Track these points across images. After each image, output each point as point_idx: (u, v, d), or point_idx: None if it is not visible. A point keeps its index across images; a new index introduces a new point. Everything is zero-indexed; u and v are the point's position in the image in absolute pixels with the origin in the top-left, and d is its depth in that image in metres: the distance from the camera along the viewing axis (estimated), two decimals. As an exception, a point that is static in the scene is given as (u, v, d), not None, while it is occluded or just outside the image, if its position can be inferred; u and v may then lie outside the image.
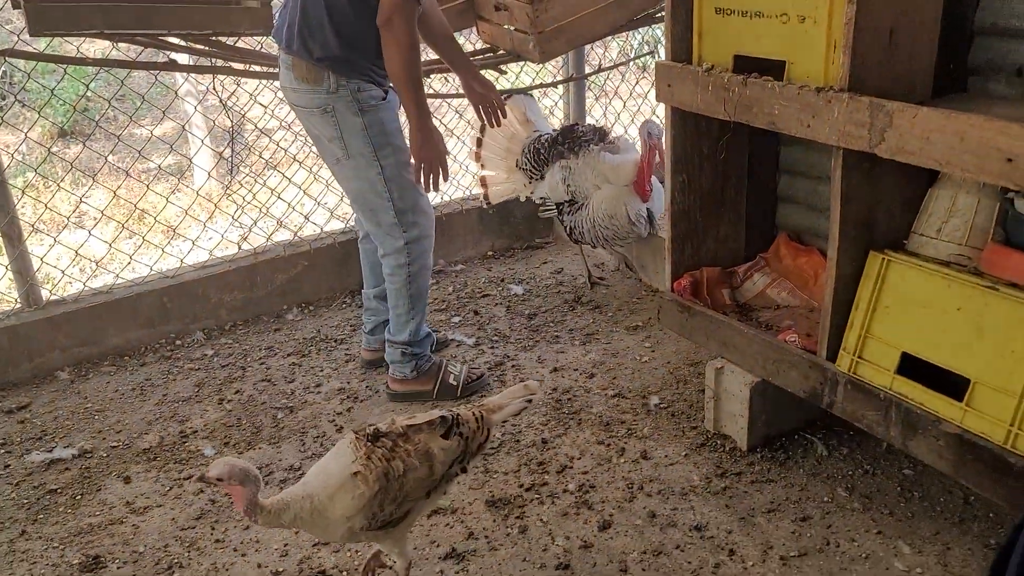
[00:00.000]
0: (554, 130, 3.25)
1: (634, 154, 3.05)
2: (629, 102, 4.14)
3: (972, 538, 1.95)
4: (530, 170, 3.23)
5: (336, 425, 2.56)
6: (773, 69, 1.99)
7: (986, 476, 1.72)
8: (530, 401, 1.91)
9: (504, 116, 2.80)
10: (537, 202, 3.27)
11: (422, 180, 2.43)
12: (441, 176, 2.44)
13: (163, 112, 3.51)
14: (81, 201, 3.45)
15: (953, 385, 1.78)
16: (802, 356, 2.08)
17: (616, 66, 3.54)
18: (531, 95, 3.37)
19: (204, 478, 1.63)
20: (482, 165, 3.36)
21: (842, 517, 2.04)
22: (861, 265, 1.96)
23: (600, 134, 3.13)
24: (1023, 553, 0.72)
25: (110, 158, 3.56)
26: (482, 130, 3.25)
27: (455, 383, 2.65)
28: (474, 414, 1.83)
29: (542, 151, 3.18)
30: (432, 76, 3.22)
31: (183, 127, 4.26)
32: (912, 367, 1.86)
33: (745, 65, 2.06)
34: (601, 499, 2.17)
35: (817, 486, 2.16)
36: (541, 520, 2.11)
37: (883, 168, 1.87)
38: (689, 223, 2.45)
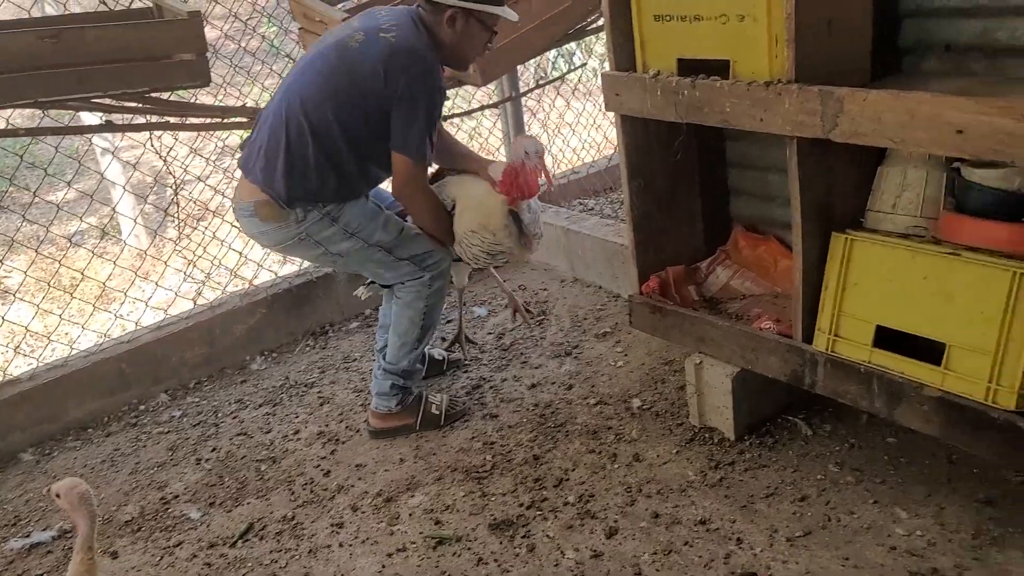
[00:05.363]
0: None
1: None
2: (566, 116, 4.22)
3: (962, 496, 2.03)
4: None
5: (323, 470, 2.52)
6: (717, 69, 2.05)
7: (972, 434, 1.80)
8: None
9: None
10: None
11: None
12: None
13: (67, 183, 3.36)
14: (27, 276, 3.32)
15: (929, 351, 1.86)
16: (780, 341, 2.14)
17: (551, 81, 3.59)
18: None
19: (49, 491, 1.77)
20: None
21: (838, 492, 2.10)
22: (825, 246, 2.03)
23: None
24: None
25: (30, 228, 3.46)
26: None
27: (438, 412, 2.64)
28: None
29: None
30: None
31: (96, 185, 4.15)
32: (888, 338, 1.94)
33: (689, 68, 2.11)
34: (603, 507, 2.19)
35: (808, 465, 2.22)
36: (547, 536, 2.12)
37: (835, 152, 1.94)
38: (650, 226, 2.50)
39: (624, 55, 2.27)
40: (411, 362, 2.58)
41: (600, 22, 2.78)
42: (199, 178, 3.61)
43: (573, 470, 2.35)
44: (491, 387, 2.83)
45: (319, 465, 2.56)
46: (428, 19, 2.36)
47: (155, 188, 4.99)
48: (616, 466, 2.34)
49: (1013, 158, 1.55)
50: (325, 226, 2.39)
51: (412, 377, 2.61)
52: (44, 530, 2.41)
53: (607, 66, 2.33)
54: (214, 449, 2.72)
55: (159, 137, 3.20)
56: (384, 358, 2.60)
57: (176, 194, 3.06)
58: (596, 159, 4.37)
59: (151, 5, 2.74)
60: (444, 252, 2.54)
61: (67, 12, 2.89)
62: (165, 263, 3.50)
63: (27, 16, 2.84)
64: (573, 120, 4.29)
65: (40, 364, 3.00)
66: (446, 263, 2.54)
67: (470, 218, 2.51)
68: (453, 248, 2.56)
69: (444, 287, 2.56)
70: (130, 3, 2.90)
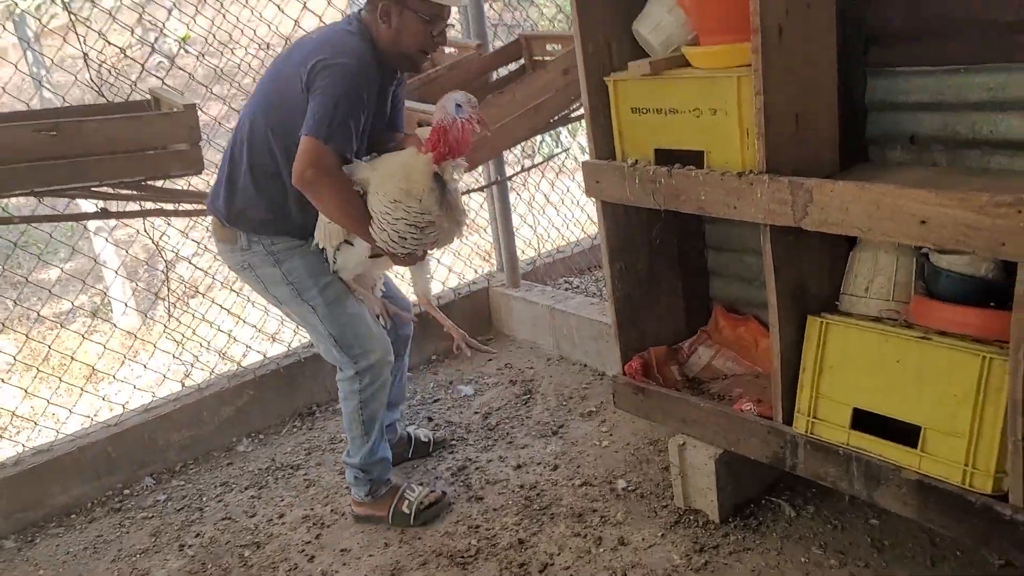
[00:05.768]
0: None
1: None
2: (552, 196, 4.33)
3: (946, 578, 2.04)
4: None
5: (307, 555, 2.50)
6: (693, 159, 2.13)
7: (950, 517, 1.81)
8: None
9: None
10: None
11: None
12: (424, 251, 2.37)
13: (60, 268, 3.44)
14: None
15: (906, 433, 1.89)
16: (760, 423, 2.17)
17: (536, 166, 3.70)
18: None
19: None
20: None
21: None
22: (801, 329, 2.08)
23: None
24: None
25: (20, 308, 3.48)
26: None
27: (408, 511, 2.55)
28: None
29: None
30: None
31: (94, 262, 4.22)
32: (865, 420, 1.97)
33: (666, 157, 2.20)
34: (588, 593, 2.17)
35: (792, 548, 2.21)
36: (533, 623, 2.10)
37: (807, 238, 2.00)
38: (631, 307, 2.55)
39: (604, 144, 2.36)
40: (364, 457, 2.53)
41: (582, 111, 2.87)
42: (189, 260, 3.66)
43: (558, 554, 2.34)
44: (476, 468, 2.83)
45: (304, 550, 2.53)
46: (367, 20, 2.30)
47: (147, 269, 5.05)
48: (601, 550, 2.33)
49: (974, 249, 1.61)
50: (268, 263, 2.41)
51: (372, 470, 2.57)
52: (22, 621, 2.37)
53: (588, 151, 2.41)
54: (198, 535, 2.69)
55: (152, 222, 3.26)
56: (347, 451, 2.60)
57: (166, 276, 3.10)
58: (581, 238, 4.45)
59: (149, 97, 2.84)
60: (377, 343, 2.46)
61: (66, 103, 2.97)
62: (154, 345, 3.52)
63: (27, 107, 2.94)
64: (557, 200, 4.39)
65: (26, 448, 2.99)
66: (376, 356, 2.46)
67: (390, 187, 2.19)
68: (374, 236, 2.24)
69: (378, 384, 2.49)
70: (128, 95, 3.00)
